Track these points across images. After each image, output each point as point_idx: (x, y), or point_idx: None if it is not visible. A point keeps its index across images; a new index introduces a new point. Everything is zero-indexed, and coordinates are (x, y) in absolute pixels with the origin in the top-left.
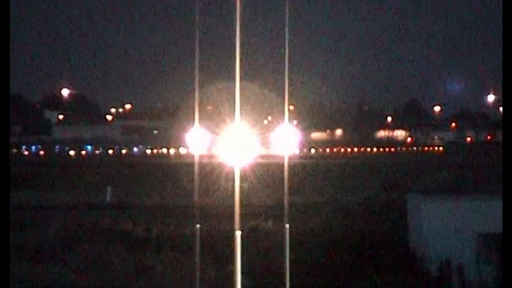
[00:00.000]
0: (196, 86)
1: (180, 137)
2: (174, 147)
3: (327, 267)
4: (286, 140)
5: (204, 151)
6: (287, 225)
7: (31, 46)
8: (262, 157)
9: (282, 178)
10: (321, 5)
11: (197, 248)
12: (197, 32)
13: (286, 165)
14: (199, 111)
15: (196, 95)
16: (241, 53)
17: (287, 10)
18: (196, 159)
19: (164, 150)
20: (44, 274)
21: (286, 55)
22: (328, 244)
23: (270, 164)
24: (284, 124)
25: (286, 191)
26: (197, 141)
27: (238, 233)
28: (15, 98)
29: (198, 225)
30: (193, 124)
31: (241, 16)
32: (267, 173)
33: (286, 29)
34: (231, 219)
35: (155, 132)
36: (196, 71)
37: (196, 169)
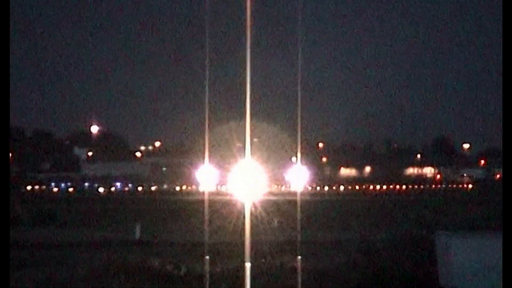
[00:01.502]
0: (206, 125)
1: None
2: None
3: None
4: (301, 177)
5: (233, 188)
6: (299, 257)
7: (60, 83)
8: (284, 194)
9: (307, 215)
10: (347, 42)
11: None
12: (207, 68)
13: (298, 201)
14: (225, 148)
15: (206, 134)
16: (256, 92)
17: (300, 49)
18: (222, 197)
19: (193, 187)
20: None
21: (299, 94)
22: (356, 281)
23: (292, 201)
24: (297, 162)
25: (298, 226)
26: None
27: (247, 265)
28: (44, 135)
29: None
30: (210, 162)
31: (252, 50)
32: (290, 210)
33: (299, 67)
34: (252, 255)
35: (164, 169)
36: (206, 110)
37: (221, 206)
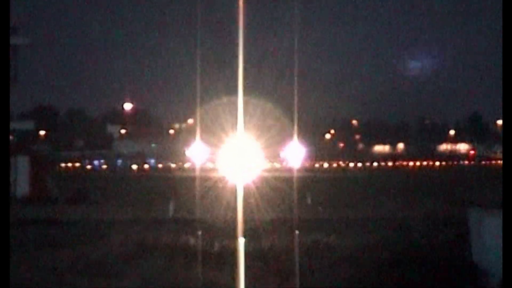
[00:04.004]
0: (198, 101)
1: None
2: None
3: (389, 280)
4: (299, 154)
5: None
6: (297, 231)
7: (93, 60)
8: (306, 170)
9: (335, 192)
10: (375, 18)
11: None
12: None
13: (294, 177)
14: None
15: (197, 111)
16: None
17: (296, 28)
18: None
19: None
20: None
21: (295, 70)
22: (388, 258)
23: (320, 178)
24: (294, 139)
25: (295, 201)
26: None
27: (241, 240)
28: (77, 113)
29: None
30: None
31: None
32: (317, 188)
33: (296, 43)
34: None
35: (153, 145)
36: (198, 87)
37: (253, 184)
